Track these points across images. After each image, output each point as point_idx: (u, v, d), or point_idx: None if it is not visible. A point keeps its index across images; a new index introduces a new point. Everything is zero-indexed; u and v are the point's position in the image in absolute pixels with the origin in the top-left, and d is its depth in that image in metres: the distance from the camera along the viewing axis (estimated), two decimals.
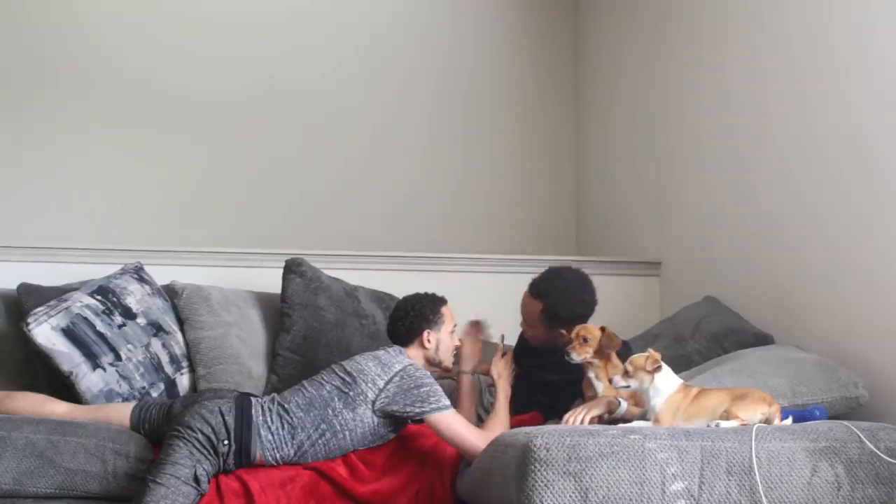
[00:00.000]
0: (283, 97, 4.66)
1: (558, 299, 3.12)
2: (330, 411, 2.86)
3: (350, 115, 4.73)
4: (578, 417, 2.74)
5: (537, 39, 5.00)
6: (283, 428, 2.82)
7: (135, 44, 4.54)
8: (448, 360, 3.16)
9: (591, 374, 2.92)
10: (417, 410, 2.87)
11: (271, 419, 2.83)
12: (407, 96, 4.82)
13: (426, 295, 3.18)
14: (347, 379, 2.92)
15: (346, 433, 2.87)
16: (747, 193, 3.65)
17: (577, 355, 2.90)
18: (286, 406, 2.87)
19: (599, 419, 2.78)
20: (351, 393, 2.88)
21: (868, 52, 3.06)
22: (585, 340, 2.90)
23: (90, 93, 4.47)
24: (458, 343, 3.19)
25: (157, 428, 2.88)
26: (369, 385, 2.89)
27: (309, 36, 4.74)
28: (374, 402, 2.88)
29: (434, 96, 4.86)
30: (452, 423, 2.86)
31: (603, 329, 2.94)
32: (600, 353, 2.92)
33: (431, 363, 3.11)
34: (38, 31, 4.43)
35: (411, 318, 3.11)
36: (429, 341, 3.10)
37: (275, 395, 2.98)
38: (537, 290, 3.17)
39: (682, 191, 4.10)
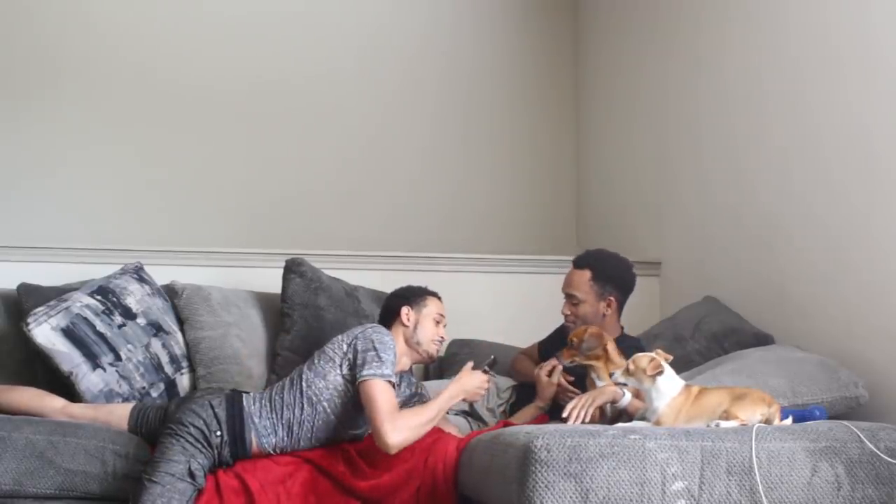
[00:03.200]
0: (284, 97, 4.65)
1: (605, 263, 3.29)
2: (304, 384, 2.92)
3: (350, 115, 4.72)
4: (584, 407, 2.75)
5: (537, 39, 4.99)
6: (272, 412, 2.88)
7: (134, 43, 4.52)
8: (430, 348, 3.14)
9: (593, 376, 2.95)
10: (359, 377, 2.83)
11: (262, 404, 2.90)
12: (407, 96, 4.82)
13: (418, 286, 3.24)
14: (317, 352, 2.99)
15: (325, 404, 2.89)
16: (747, 193, 3.65)
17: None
18: (272, 392, 2.95)
19: (601, 410, 2.79)
20: (319, 361, 2.95)
21: (868, 52, 3.06)
22: (598, 357, 2.94)
23: (90, 92, 4.46)
24: (442, 333, 3.17)
25: (154, 431, 2.88)
26: (336, 350, 2.94)
27: (309, 35, 4.73)
28: (340, 366, 2.92)
29: (434, 96, 4.86)
30: (378, 394, 2.79)
31: (585, 329, 3.00)
32: (598, 354, 2.94)
33: (410, 344, 3.11)
34: (37, 31, 4.42)
35: (393, 298, 3.20)
36: (407, 318, 3.12)
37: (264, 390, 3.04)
38: (583, 260, 3.31)
39: (682, 191, 4.10)
